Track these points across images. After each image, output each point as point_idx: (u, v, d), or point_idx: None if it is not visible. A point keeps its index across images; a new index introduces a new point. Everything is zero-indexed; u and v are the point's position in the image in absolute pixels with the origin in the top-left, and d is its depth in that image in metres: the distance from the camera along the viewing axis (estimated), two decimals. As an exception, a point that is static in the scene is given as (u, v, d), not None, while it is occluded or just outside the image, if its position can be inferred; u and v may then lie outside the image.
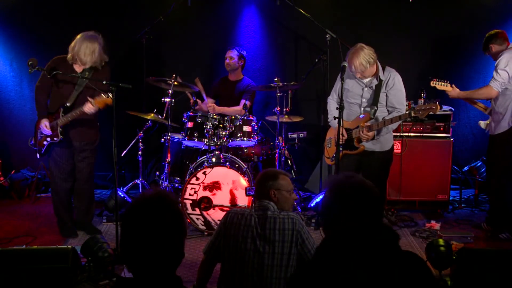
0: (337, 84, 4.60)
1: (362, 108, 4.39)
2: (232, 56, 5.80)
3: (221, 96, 5.97)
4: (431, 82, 4.87)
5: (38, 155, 4.75)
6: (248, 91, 5.78)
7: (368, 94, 4.35)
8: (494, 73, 4.64)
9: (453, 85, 4.85)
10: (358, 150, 4.36)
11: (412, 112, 4.10)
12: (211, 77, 6.42)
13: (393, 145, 4.56)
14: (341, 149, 4.37)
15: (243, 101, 5.74)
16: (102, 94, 4.36)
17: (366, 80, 4.35)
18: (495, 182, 4.85)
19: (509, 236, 4.77)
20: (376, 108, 4.31)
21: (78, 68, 4.64)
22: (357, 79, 4.37)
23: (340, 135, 4.40)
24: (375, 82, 4.33)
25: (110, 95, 4.23)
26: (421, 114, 4.06)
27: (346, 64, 4.27)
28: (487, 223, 5.02)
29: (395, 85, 4.32)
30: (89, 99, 4.40)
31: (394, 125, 4.37)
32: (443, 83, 4.86)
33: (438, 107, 3.99)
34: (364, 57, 4.18)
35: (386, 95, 4.34)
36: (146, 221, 1.77)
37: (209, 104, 5.63)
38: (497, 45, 4.81)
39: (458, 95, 4.87)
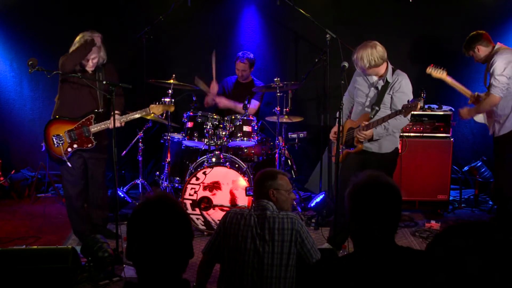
0: (352, 82, 4.60)
1: (365, 108, 4.40)
2: (244, 69, 5.82)
3: (231, 97, 5.94)
4: (427, 69, 4.87)
5: (63, 162, 4.49)
6: (259, 92, 5.84)
7: (373, 93, 4.35)
8: (492, 80, 4.64)
9: (448, 77, 4.90)
10: (356, 149, 4.37)
11: (398, 110, 4.08)
12: (211, 78, 6.41)
13: (396, 148, 4.49)
14: (344, 147, 4.40)
15: (255, 102, 5.82)
16: (165, 101, 4.55)
17: (373, 80, 4.35)
18: (503, 186, 4.82)
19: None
20: (377, 108, 4.29)
21: (88, 70, 4.58)
22: (366, 77, 4.38)
23: (334, 134, 4.47)
24: (381, 83, 4.32)
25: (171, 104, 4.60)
26: (404, 112, 4.01)
27: (346, 64, 4.26)
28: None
29: (401, 88, 4.28)
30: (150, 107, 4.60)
31: (395, 127, 4.33)
32: (439, 71, 4.87)
33: (418, 105, 3.96)
34: (368, 55, 4.16)
35: (391, 97, 4.32)
36: (153, 224, 1.75)
37: (218, 99, 5.79)
38: (484, 47, 4.81)
39: (469, 114, 4.89)
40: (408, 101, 4.10)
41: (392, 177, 4.52)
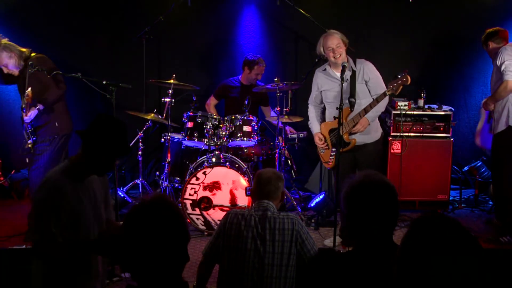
0: (314, 89, 4.69)
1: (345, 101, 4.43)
2: (262, 72, 5.78)
3: (231, 99, 5.88)
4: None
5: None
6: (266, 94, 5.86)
7: (345, 87, 4.39)
8: (503, 67, 4.56)
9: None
10: (350, 145, 4.37)
11: (386, 91, 4.17)
12: (211, 78, 6.41)
13: (382, 133, 4.62)
14: (334, 150, 4.44)
15: (273, 111, 5.77)
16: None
17: (338, 76, 4.39)
18: (503, 183, 4.84)
19: (510, 239, 4.74)
20: (354, 100, 4.32)
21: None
22: (331, 77, 4.43)
23: (319, 141, 4.59)
24: (348, 74, 4.37)
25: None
26: (395, 90, 4.10)
27: (346, 64, 4.28)
28: (498, 219, 5.07)
29: (372, 73, 4.41)
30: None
31: (383, 107, 4.45)
32: None
33: (409, 78, 4.00)
34: (341, 36, 4.36)
35: (367, 85, 4.38)
36: (149, 227, 1.73)
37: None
38: (495, 44, 4.83)
39: (489, 103, 4.81)
40: (396, 76, 4.12)
41: (384, 163, 4.60)
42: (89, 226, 2.59)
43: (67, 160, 2.63)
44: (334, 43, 4.34)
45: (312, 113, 4.73)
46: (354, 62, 4.44)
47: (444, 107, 5.66)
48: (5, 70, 4.70)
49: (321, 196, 5.22)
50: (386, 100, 4.42)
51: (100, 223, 2.69)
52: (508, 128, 4.69)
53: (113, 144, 2.51)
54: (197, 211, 4.83)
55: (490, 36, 4.88)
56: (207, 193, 4.82)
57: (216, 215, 4.81)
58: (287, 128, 5.51)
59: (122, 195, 5.22)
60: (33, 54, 4.75)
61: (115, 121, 2.56)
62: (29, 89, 4.46)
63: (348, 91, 4.34)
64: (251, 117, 5.22)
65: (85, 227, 2.56)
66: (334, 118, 4.51)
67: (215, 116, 5.20)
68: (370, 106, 4.26)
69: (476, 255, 1.55)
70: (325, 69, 4.55)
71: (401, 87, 4.09)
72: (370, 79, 4.38)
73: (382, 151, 4.61)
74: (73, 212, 2.49)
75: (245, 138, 5.17)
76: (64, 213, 2.45)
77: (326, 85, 4.50)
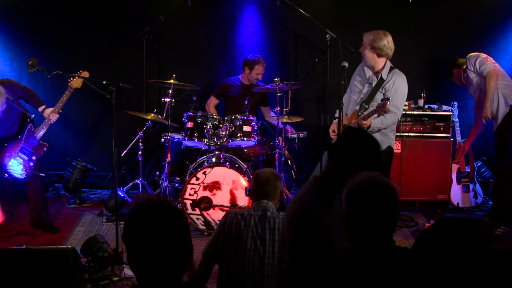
0: (352, 79, 4.65)
1: (357, 105, 4.43)
2: (263, 72, 5.76)
3: (231, 98, 5.89)
4: None
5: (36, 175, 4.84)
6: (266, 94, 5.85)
7: (366, 90, 4.40)
8: (478, 64, 4.99)
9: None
10: None
11: (373, 109, 4.21)
12: (211, 78, 6.41)
13: (389, 148, 4.52)
14: None
15: (273, 111, 5.76)
16: (79, 72, 4.57)
17: (368, 75, 4.38)
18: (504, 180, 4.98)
19: (505, 229, 4.81)
20: (366, 106, 4.31)
21: None
22: (363, 73, 4.41)
23: (332, 132, 4.59)
24: (375, 79, 4.35)
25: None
26: (378, 112, 4.14)
27: (346, 64, 4.29)
28: (489, 217, 5.15)
29: (394, 87, 4.29)
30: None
31: (387, 125, 4.35)
32: None
33: (387, 106, 4.04)
34: (376, 40, 4.29)
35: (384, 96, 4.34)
36: (149, 227, 1.73)
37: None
38: (458, 68, 5.34)
39: (487, 107, 4.97)
40: (381, 100, 4.15)
41: (388, 177, 4.57)
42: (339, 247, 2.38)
43: (313, 178, 2.51)
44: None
45: (343, 101, 4.64)
46: (391, 70, 4.36)
47: (444, 107, 5.66)
48: None
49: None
50: (391, 119, 4.31)
51: (344, 240, 2.47)
52: (510, 108, 4.92)
53: (367, 159, 2.41)
54: (197, 211, 4.83)
55: (452, 66, 5.40)
56: (207, 193, 4.82)
57: (216, 215, 4.81)
58: (288, 127, 5.50)
59: (122, 195, 5.22)
60: None
61: (367, 135, 2.50)
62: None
63: (366, 95, 4.34)
64: (251, 117, 5.22)
65: (337, 247, 2.35)
66: (336, 116, 4.55)
67: (215, 116, 5.21)
68: (364, 118, 4.23)
69: (487, 260, 1.56)
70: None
71: (382, 111, 4.13)
72: (389, 92, 4.29)
73: (386, 164, 4.50)
74: (326, 234, 2.31)
75: (245, 138, 5.17)
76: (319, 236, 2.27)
77: (357, 80, 4.52)
